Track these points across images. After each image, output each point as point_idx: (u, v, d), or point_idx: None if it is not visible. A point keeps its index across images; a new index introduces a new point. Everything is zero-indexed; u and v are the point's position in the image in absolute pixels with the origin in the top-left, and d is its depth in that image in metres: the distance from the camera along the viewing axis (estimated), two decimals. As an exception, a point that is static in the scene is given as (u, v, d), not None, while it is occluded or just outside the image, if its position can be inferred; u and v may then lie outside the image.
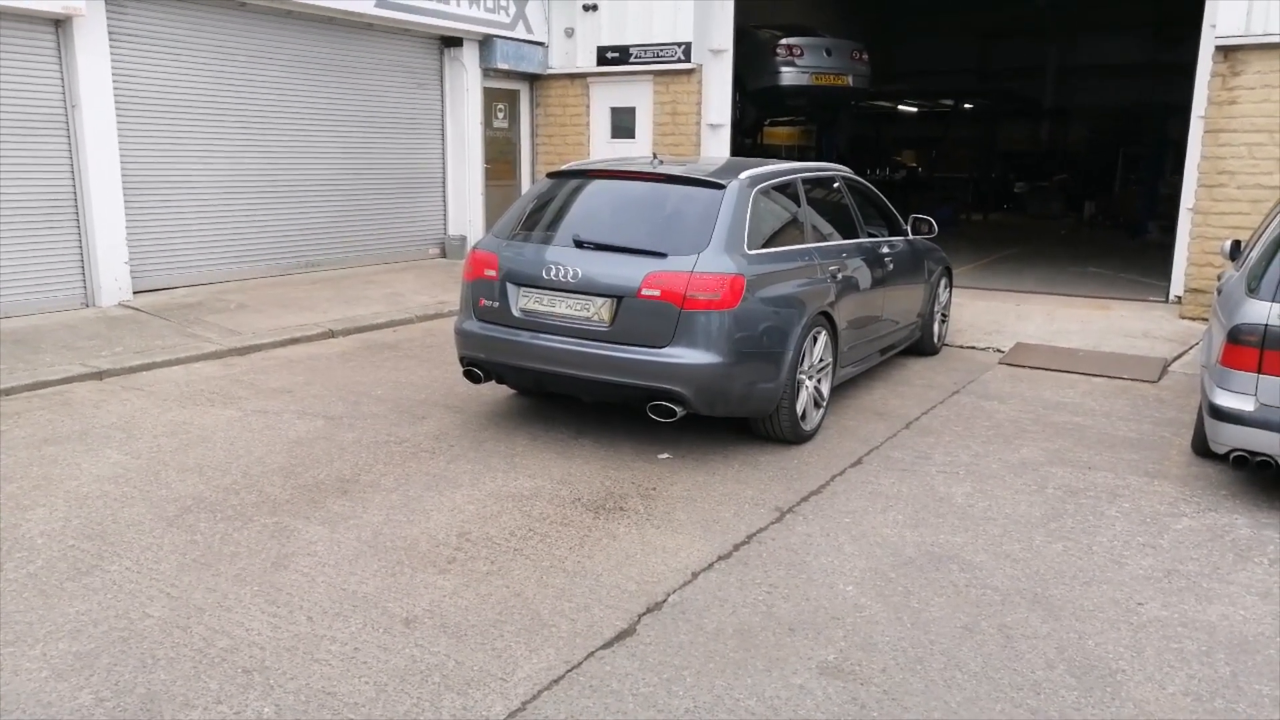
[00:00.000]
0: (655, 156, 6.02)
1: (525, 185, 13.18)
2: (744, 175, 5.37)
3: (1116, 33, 21.72)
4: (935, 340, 7.96)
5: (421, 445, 5.37)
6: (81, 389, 6.35)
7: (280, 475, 4.86)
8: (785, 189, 5.78)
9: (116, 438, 5.39)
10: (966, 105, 26.07)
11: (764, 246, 5.30)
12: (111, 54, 8.20)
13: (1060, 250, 15.22)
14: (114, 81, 8.24)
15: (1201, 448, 5.26)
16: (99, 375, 6.61)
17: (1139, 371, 7.42)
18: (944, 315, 8.18)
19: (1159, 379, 7.24)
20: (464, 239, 12.09)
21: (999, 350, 8.17)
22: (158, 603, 3.53)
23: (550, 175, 5.94)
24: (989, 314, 9.46)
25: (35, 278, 8.02)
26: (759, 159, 6.37)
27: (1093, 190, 21.42)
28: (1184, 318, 9.10)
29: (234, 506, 4.44)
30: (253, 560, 3.89)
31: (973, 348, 8.29)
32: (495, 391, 6.38)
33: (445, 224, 12.18)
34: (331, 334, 8.20)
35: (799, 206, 5.86)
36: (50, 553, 3.92)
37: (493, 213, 12.56)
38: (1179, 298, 9.39)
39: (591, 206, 5.60)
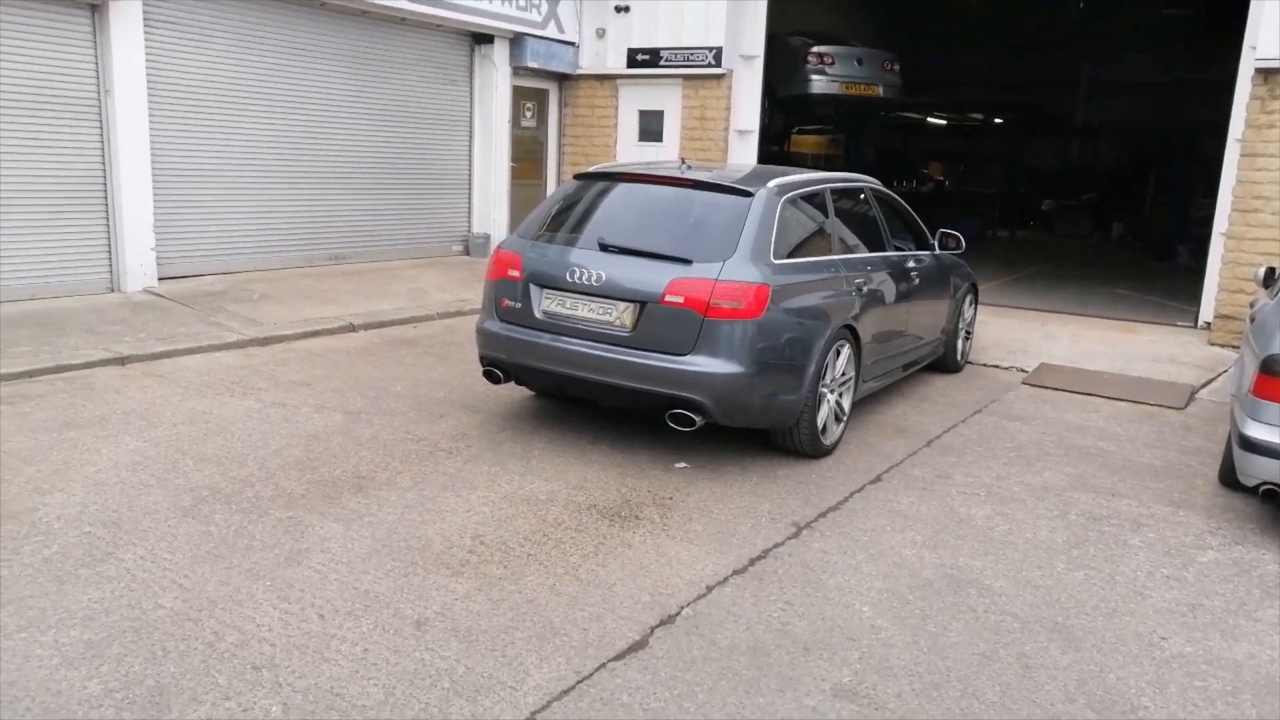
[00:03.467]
0: (683, 161, 5.98)
1: (551, 185, 13.17)
2: (772, 184, 5.32)
3: (1148, 51, 21.47)
4: (959, 357, 7.87)
5: (439, 444, 5.35)
6: (104, 374, 6.38)
7: (296, 469, 4.85)
8: (813, 199, 5.72)
9: (136, 424, 5.41)
10: (996, 120, 25.87)
11: (790, 256, 5.25)
12: (146, 40, 8.25)
13: (1087, 270, 15.07)
14: (148, 68, 8.29)
15: (1229, 479, 5.15)
16: (121, 361, 6.63)
17: (1165, 397, 7.31)
18: (968, 332, 8.09)
19: (1186, 406, 7.13)
20: (488, 237, 12.09)
21: (1023, 370, 8.07)
22: (170, 594, 3.52)
23: (577, 177, 5.91)
24: (1013, 332, 9.36)
25: (62, 260, 8.07)
26: (787, 168, 6.32)
27: (1121, 211, 21.19)
28: (1213, 344, 8.96)
29: (249, 499, 4.43)
30: (266, 554, 3.88)
31: (996, 366, 8.19)
32: (513, 392, 6.36)
33: (470, 221, 12.19)
34: (352, 328, 8.21)
35: (826, 217, 5.81)
36: (66, 538, 3.92)
37: (518, 212, 12.55)
38: (1208, 323, 9.25)
39: (617, 210, 5.56)
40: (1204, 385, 7.74)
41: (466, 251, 12.14)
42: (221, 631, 3.28)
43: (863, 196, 6.46)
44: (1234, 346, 8.75)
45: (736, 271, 4.85)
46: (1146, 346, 8.93)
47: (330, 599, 3.55)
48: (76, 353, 6.61)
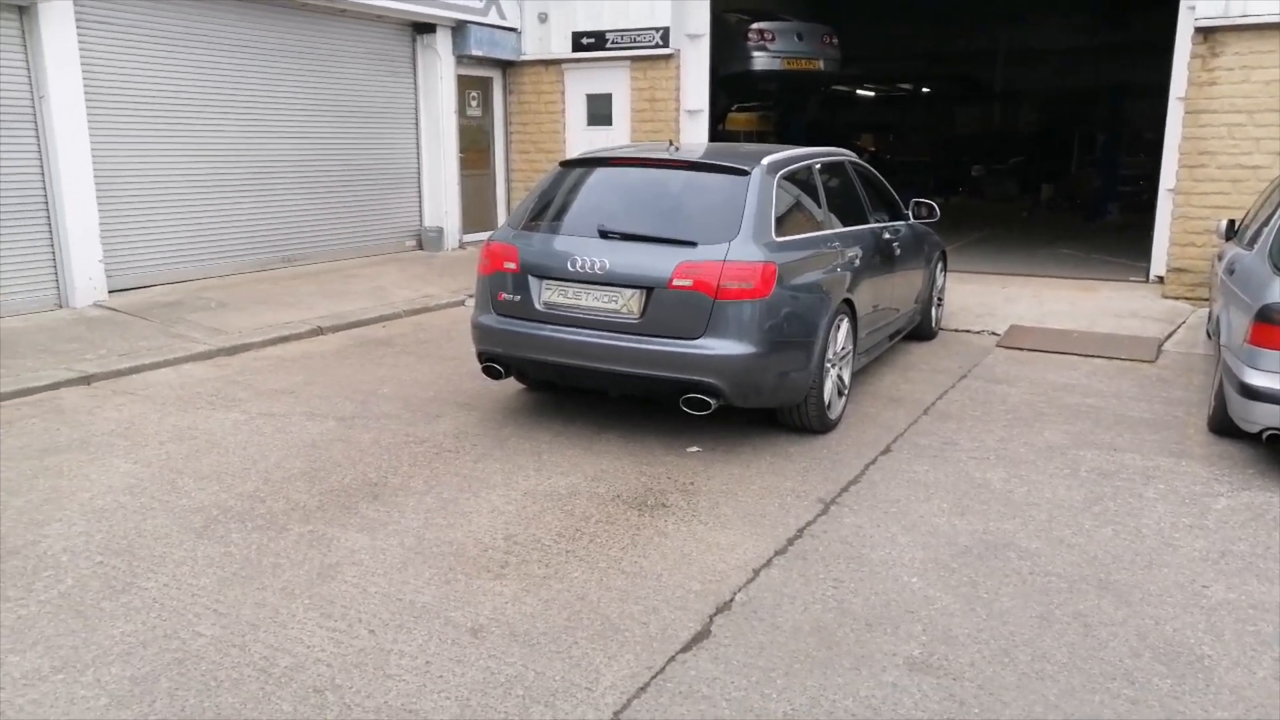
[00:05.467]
0: (670, 143, 5.90)
1: (500, 175, 12.97)
2: (765, 161, 5.28)
3: (1063, 16, 22.00)
4: (933, 324, 7.98)
5: (443, 445, 5.21)
6: (71, 394, 6.06)
7: (303, 480, 4.67)
8: (802, 175, 5.71)
9: (120, 445, 5.15)
10: (923, 89, 26.28)
11: (786, 234, 5.22)
12: (80, 42, 7.83)
13: (1027, 232, 15.43)
14: (83, 71, 7.88)
15: (1219, 426, 5.32)
16: (87, 380, 6.32)
17: (1135, 351, 7.51)
18: (940, 299, 8.20)
19: (1156, 358, 7.34)
20: (441, 230, 11.85)
21: (994, 333, 8.21)
22: (206, 620, 3.36)
23: (562, 165, 5.79)
24: (976, 297, 9.52)
25: (5, 278, 7.64)
26: (767, 145, 6.28)
27: (1049, 173, 21.73)
28: (1167, 297, 9.24)
29: (263, 515, 4.26)
30: (297, 571, 3.73)
31: (967, 331, 8.33)
32: (504, 387, 6.24)
33: (421, 215, 11.92)
34: (320, 331, 7.96)
35: (815, 193, 5.80)
36: (79, 570, 3.71)
37: (468, 203, 12.35)
38: (1161, 277, 9.53)
39: (610, 195, 5.47)
40: (1168, 337, 7.98)
41: (420, 246, 11.88)
42: (271, 656, 3.14)
43: (844, 170, 6.47)
44: (1189, 299, 9.05)
45: (743, 251, 4.81)
46: (1106, 303, 9.17)
47: (375, 612, 3.43)
48: (37, 374, 6.27)
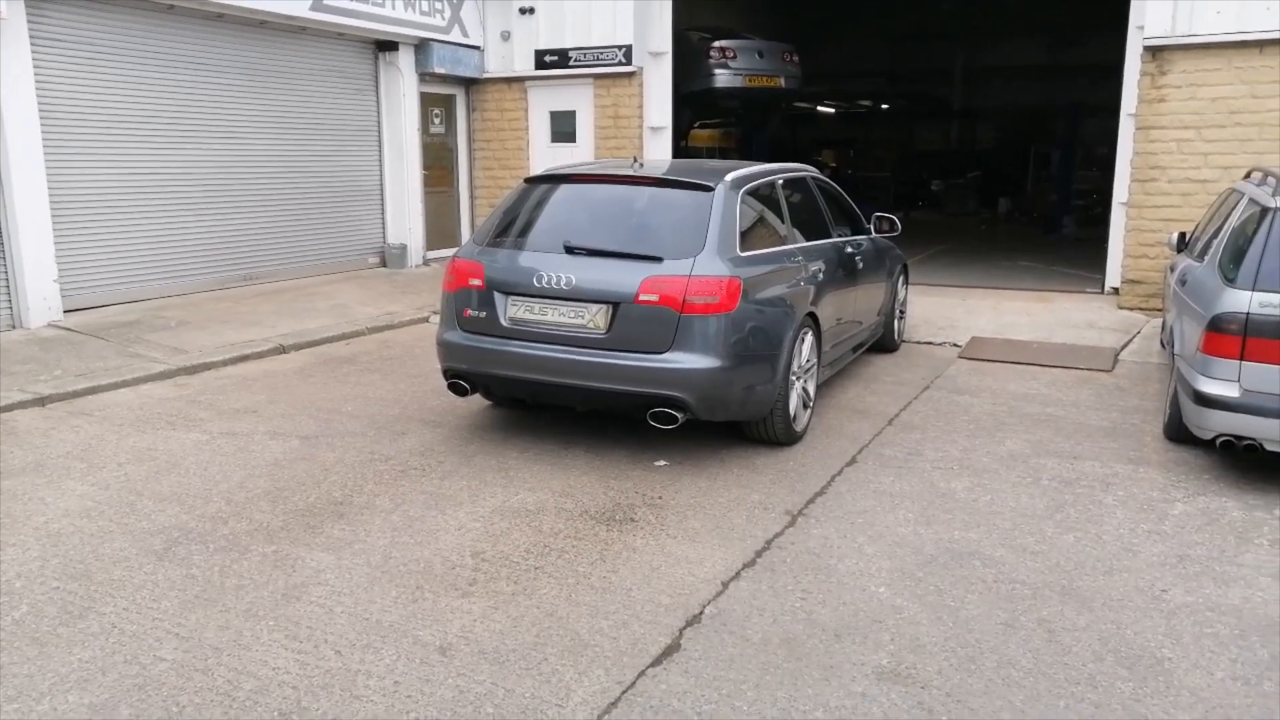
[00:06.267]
0: (634, 160, 5.94)
1: (464, 192, 12.94)
2: (729, 178, 5.33)
3: (1019, 36, 22.45)
4: (896, 337, 8.07)
5: (409, 463, 5.17)
6: (25, 416, 5.94)
7: (267, 500, 4.61)
8: (766, 190, 5.77)
9: (77, 468, 5.05)
10: (883, 106, 26.67)
11: (751, 249, 5.26)
12: (34, 60, 7.71)
13: (985, 246, 15.69)
14: (38, 89, 7.74)
15: (1175, 433, 5.43)
16: (41, 401, 6.19)
17: (1093, 361, 7.65)
18: (902, 312, 8.30)
19: (1113, 368, 7.49)
20: (404, 247, 11.79)
21: (955, 345, 8.33)
22: (168, 644, 3.29)
23: (527, 181, 5.79)
24: (937, 309, 9.65)
25: (-44, 299, 7.49)
26: (731, 161, 6.34)
27: (1006, 188, 22.14)
28: (1123, 308, 9.43)
29: (225, 536, 4.19)
30: (261, 593, 3.67)
31: (929, 343, 8.43)
32: (470, 404, 6.21)
33: (384, 232, 11.84)
34: (283, 349, 7.87)
35: (779, 208, 5.86)
36: (34, 596, 3.63)
37: (432, 220, 12.31)
38: (1116, 289, 9.73)
39: (576, 211, 5.48)
40: (1124, 347, 8.14)
41: (383, 263, 11.80)
42: (235, 679, 3.09)
43: (807, 186, 6.54)
44: (1143, 309, 9.24)
45: (708, 266, 4.84)
46: (1063, 314, 9.34)
47: (342, 633, 3.38)
48: (-10, 397, 6.14)
